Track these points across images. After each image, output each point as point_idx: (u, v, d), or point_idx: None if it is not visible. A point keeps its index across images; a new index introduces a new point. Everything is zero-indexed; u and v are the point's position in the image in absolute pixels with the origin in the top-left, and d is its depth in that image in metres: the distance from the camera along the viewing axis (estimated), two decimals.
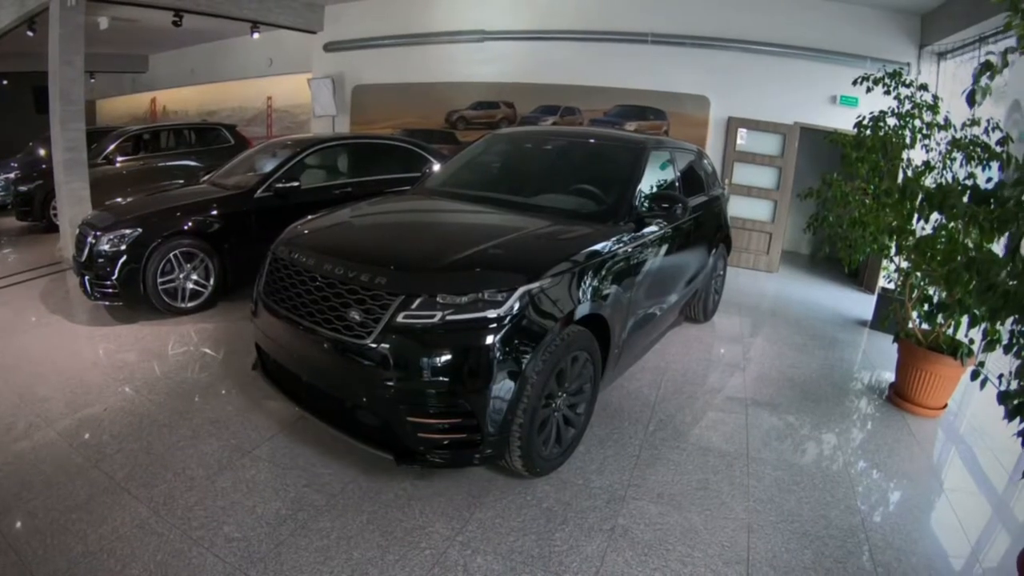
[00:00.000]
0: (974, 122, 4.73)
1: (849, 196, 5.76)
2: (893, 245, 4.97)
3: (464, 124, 8.59)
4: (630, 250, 3.41)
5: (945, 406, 4.13)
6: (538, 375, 2.66)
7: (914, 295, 4.44)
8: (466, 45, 8.43)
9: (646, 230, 3.60)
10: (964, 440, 3.99)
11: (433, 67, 8.61)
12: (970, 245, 3.77)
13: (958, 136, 4.75)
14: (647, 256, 3.65)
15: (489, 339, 2.50)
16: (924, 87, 5.10)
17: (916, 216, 4.29)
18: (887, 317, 4.61)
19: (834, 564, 2.60)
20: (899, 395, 4.25)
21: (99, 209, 4.96)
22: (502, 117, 8.45)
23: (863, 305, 6.82)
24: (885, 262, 5.55)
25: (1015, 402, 2.40)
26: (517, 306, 2.57)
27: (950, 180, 4.50)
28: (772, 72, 7.29)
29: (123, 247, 4.36)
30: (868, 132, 5.35)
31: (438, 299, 2.52)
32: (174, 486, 2.77)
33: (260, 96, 12.46)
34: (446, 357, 2.49)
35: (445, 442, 2.59)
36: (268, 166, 5.28)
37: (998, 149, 4.14)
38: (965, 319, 3.65)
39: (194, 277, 4.72)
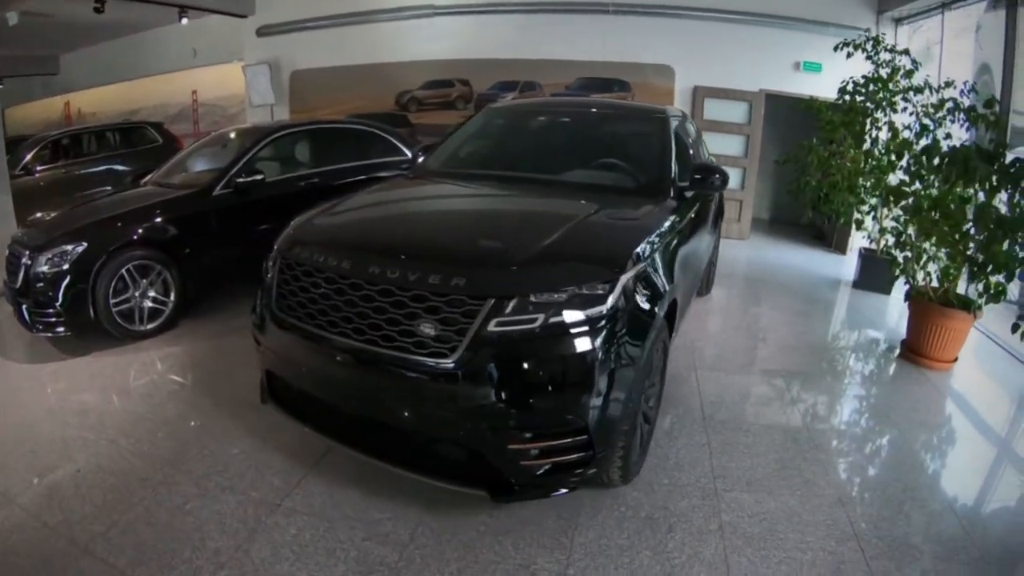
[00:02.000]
0: (948, 84, 4.78)
1: (830, 161, 5.76)
2: (887, 206, 4.99)
3: (416, 105, 7.95)
4: (681, 226, 3.14)
5: (956, 359, 4.18)
6: (641, 373, 2.30)
7: (922, 256, 4.41)
8: (415, 21, 7.76)
9: (684, 204, 3.29)
10: (983, 388, 4.16)
11: (379, 47, 7.88)
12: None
13: (936, 99, 4.78)
14: (688, 231, 3.38)
15: (599, 340, 2.08)
16: (906, 52, 5.08)
17: (920, 178, 4.21)
18: (896, 278, 4.57)
19: (926, 525, 2.59)
20: (913, 351, 4.27)
21: (27, 225, 4.04)
22: (457, 96, 7.88)
23: (839, 266, 6.91)
24: (869, 223, 5.58)
25: None
26: (621, 299, 2.17)
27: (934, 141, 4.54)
28: (736, 40, 7.17)
29: (65, 266, 3.52)
30: (851, 98, 5.33)
31: (531, 299, 2.05)
32: (198, 567, 2.13)
33: (184, 90, 11.27)
34: (553, 367, 2.07)
35: (547, 467, 2.15)
36: (223, 160, 4.52)
37: (983, 111, 4.15)
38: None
39: (152, 294, 3.93)
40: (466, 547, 2.28)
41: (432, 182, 3.47)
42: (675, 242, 2.97)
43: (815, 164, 5.87)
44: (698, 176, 3.28)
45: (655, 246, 2.58)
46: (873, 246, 5.71)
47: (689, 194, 3.36)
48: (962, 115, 4.40)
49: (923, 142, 4.58)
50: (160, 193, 4.18)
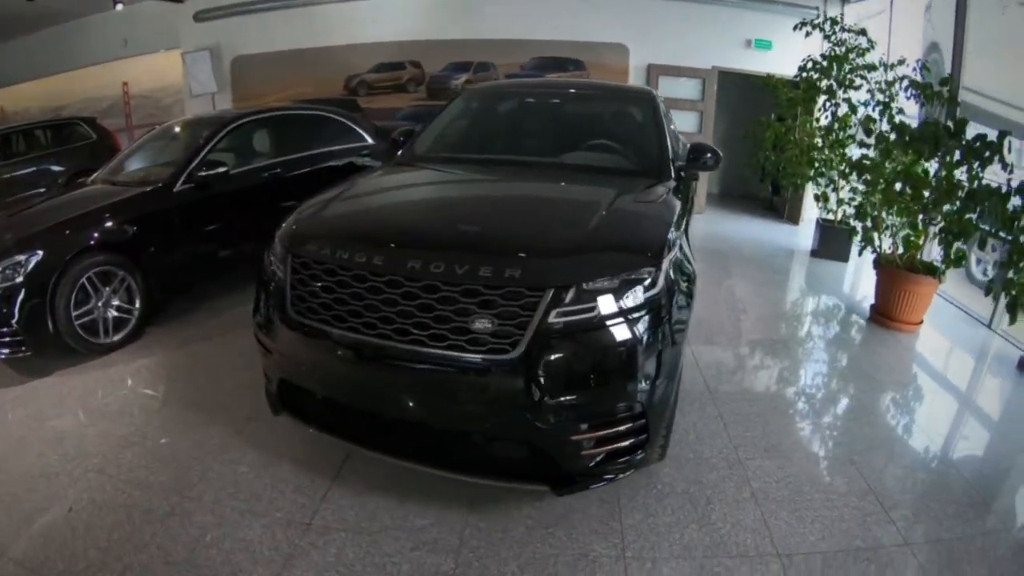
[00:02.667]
0: (901, 63, 4.99)
1: (788, 136, 5.93)
2: (845, 178, 5.19)
3: (366, 89, 7.56)
4: (688, 206, 3.11)
5: (922, 321, 4.43)
6: (681, 351, 2.31)
7: (882, 225, 4.62)
8: (363, 2, 7.34)
9: (683, 183, 3.28)
10: (948, 346, 4.45)
11: (327, 29, 7.40)
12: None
13: (890, 77, 4.99)
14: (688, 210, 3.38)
15: (653, 324, 2.06)
16: (863, 32, 5.24)
17: (888, 154, 4.38)
18: (864, 247, 4.77)
19: (937, 476, 2.81)
20: (882, 314, 4.49)
21: None
22: (409, 78, 7.55)
23: (794, 236, 7.17)
24: (832, 195, 5.79)
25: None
26: (665, 282, 2.14)
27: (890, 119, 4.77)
28: (688, 18, 7.22)
29: (19, 279, 3.08)
30: (810, 75, 5.48)
31: (586, 287, 1.98)
32: None
33: (114, 83, 10.27)
34: (615, 355, 2.01)
35: (604, 454, 2.10)
36: (179, 153, 4.10)
37: (938, 88, 4.36)
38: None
39: (115, 302, 3.52)
40: (520, 544, 2.20)
41: (433, 168, 3.29)
42: (685, 221, 2.99)
43: (771, 140, 6.04)
44: (693, 156, 3.28)
45: (679, 228, 2.56)
46: (830, 216, 5.94)
47: (683, 174, 3.34)
48: (914, 91, 4.59)
49: (886, 119, 4.75)
50: (114, 192, 3.74)
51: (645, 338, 2.03)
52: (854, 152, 5.28)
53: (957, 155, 3.80)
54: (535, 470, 2.12)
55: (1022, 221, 3.29)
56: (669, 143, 3.31)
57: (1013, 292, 3.13)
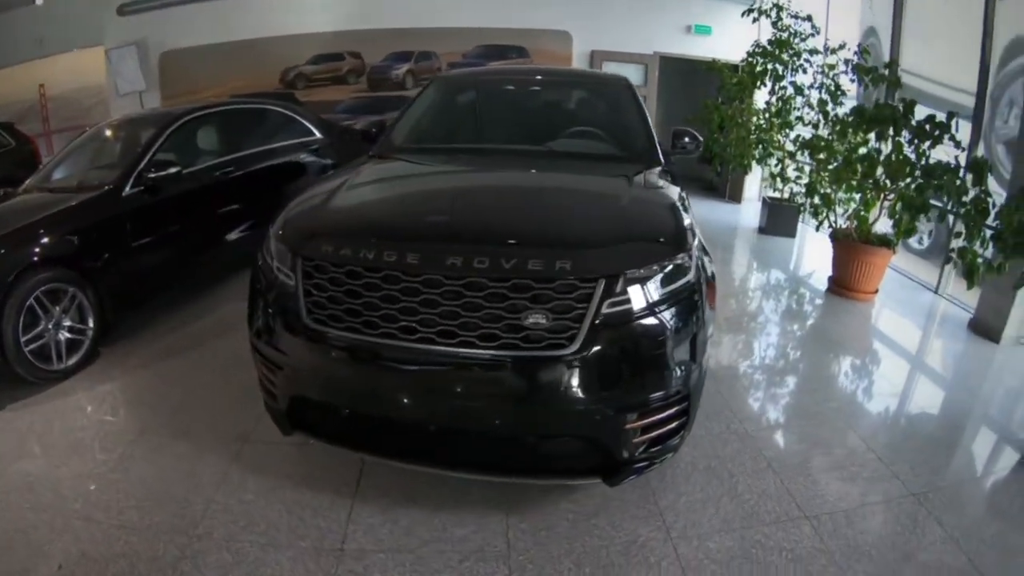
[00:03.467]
0: (842, 47, 5.23)
1: (735, 119, 6.10)
2: (790, 157, 5.40)
3: (304, 82, 7.10)
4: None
5: (877, 290, 4.70)
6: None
7: (832, 201, 4.85)
8: None
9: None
10: (907, 312, 4.74)
11: (260, 19, 6.86)
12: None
13: (833, 60, 5.21)
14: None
15: (692, 310, 2.07)
16: (809, 18, 5.42)
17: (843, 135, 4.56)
18: (821, 223, 4.98)
19: (927, 430, 3.05)
20: (840, 285, 4.72)
21: None
22: (349, 69, 7.16)
23: (738, 214, 7.46)
24: (790, 172, 5.99)
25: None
26: (697, 267, 2.14)
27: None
28: (631, 5, 7.28)
29: None
30: (758, 59, 5.63)
31: (632, 276, 1.95)
32: None
33: (29, 86, 9.08)
34: (664, 342, 1.99)
35: (649, 440, 2.07)
36: (122, 154, 3.67)
37: (884, 72, 4.60)
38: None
39: (67, 323, 3.10)
40: (568, 539, 2.16)
41: (424, 159, 3.13)
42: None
43: (717, 122, 6.20)
44: (674, 141, 3.27)
45: (690, 213, 2.55)
46: (776, 195, 6.18)
47: (671, 159, 3.33)
48: (854, 73, 4.82)
49: (840, 102, 4.95)
50: (54, 201, 3.26)
51: (686, 323, 2.04)
52: (801, 133, 5.50)
53: (907, 135, 4.00)
54: (588, 464, 2.07)
55: (970, 195, 3.53)
56: (653, 129, 3.28)
57: (968, 260, 3.34)
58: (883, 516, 2.37)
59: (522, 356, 1.86)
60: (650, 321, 1.94)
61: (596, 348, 1.87)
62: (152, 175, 3.51)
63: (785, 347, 3.94)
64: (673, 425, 2.09)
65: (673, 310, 1.99)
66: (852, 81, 4.86)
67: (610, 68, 7.65)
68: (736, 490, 2.45)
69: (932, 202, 3.80)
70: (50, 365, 3.02)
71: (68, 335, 3.10)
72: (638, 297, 1.92)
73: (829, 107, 4.80)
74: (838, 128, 4.52)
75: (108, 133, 4.12)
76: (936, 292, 4.84)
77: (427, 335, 1.88)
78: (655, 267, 1.99)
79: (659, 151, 3.10)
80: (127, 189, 3.43)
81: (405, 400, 2.00)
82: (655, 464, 2.16)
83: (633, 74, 7.67)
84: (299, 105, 7.05)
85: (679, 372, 2.01)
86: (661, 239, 2.13)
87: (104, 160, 3.82)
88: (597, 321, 1.87)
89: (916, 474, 2.65)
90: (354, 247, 1.99)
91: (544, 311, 1.86)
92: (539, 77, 4.00)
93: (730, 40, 7.06)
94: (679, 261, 2.05)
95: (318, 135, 5.36)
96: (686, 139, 3.25)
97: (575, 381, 1.89)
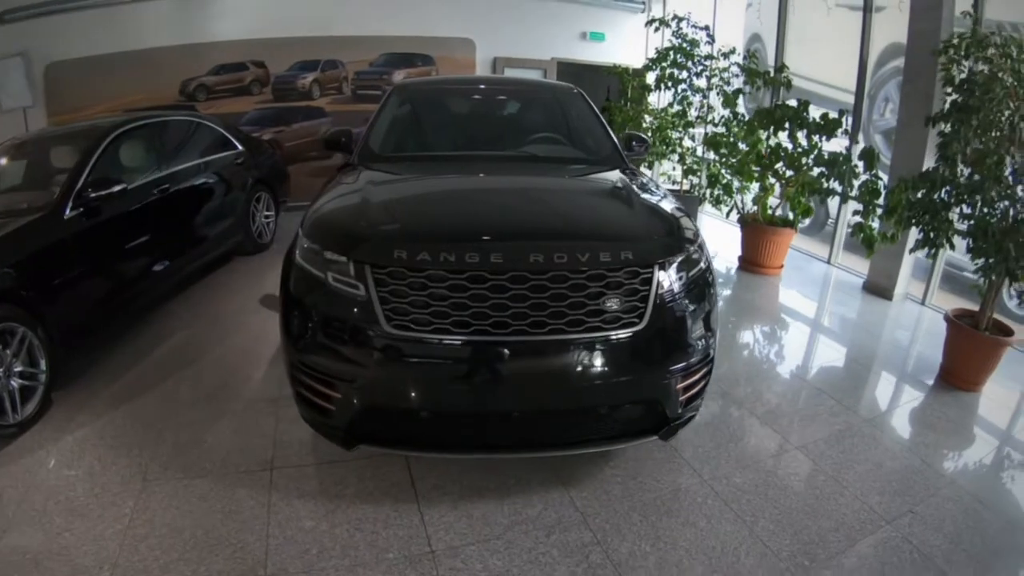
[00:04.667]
0: (732, 52, 5.87)
1: (637, 118, 6.59)
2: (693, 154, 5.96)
3: (206, 93, 6.44)
4: None
5: (782, 266, 5.36)
6: None
7: (732, 190, 5.46)
8: None
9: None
10: (810, 280, 5.46)
11: (158, 28, 6.04)
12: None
13: (725, 64, 5.83)
14: None
15: (710, 286, 2.38)
16: (706, 28, 5.98)
17: (752, 131, 5.13)
18: (731, 209, 5.56)
19: (858, 370, 3.66)
20: (750, 263, 5.33)
21: None
22: (252, 80, 6.63)
23: None
24: (676, 165, 6.57)
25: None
26: (706, 252, 2.48)
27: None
28: (529, 12, 7.51)
29: None
30: (662, 63, 6.12)
31: (673, 260, 2.23)
32: None
33: None
34: (700, 313, 2.28)
35: (688, 398, 2.29)
36: (55, 173, 3.14)
37: (776, 76, 5.27)
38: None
39: (18, 368, 2.60)
40: (626, 498, 2.36)
41: (423, 167, 3.13)
42: None
43: (619, 122, 6.64)
44: (628, 144, 3.52)
45: None
46: (676, 187, 6.76)
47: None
48: (745, 76, 5.44)
49: (735, 103, 5.54)
50: None
51: (708, 298, 2.34)
52: (704, 131, 6.07)
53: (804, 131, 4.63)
54: (647, 424, 2.23)
55: (860, 179, 4.20)
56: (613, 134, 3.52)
57: (866, 233, 4.03)
58: (850, 439, 2.87)
59: (604, 336, 2.02)
60: (688, 297, 2.23)
61: (658, 323, 2.11)
62: (94, 194, 3.05)
63: (722, 321, 4.33)
64: (701, 384, 2.35)
65: (699, 288, 2.28)
66: (746, 84, 5.46)
67: (511, 73, 7.87)
68: (736, 436, 2.84)
69: (834, 187, 4.43)
70: (5, 418, 2.53)
71: (21, 381, 2.61)
72: (679, 279, 2.19)
73: (727, 111, 5.38)
74: (744, 126, 5.07)
75: (20, 152, 3.50)
76: (828, 263, 5.63)
77: (519, 327, 1.94)
78: (686, 254, 2.27)
79: (623, 154, 3.33)
80: (67, 211, 2.94)
81: (498, 392, 2.03)
82: (691, 419, 2.39)
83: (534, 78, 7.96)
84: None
85: (708, 338, 2.28)
86: (685, 231, 2.40)
87: (29, 182, 3.26)
88: (657, 300, 2.11)
89: (864, 406, 3.22)
90: (432, 252, 2.00)
91: (617, 296, 2.05)
92: (499, 86, 4.09)
93: (621, 45, 7.63)
94: (698, 248, 2.37)
95: (240, 147, 4.96)
96: (634, 143, 3.53)
97: (645, 354, 2.11)
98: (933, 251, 3.33)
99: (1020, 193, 2.76)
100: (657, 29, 6.07)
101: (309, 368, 2.10)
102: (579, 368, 2.04)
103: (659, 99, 6.92)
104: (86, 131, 3.51)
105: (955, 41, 3.03)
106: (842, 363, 3.74)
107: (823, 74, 5.58)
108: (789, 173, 4.91)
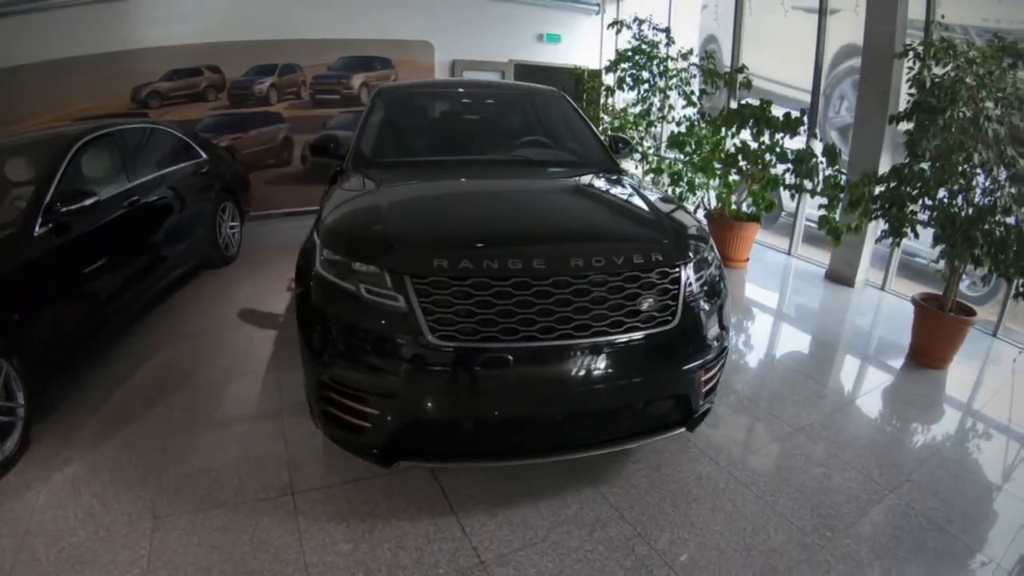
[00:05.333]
0: (690, 53, 6.04)
1: (597, 117, 6.68)
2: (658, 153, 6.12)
3: (159, 100, 5.98)
4: None
5: (748, 259, 5.55)
6: None
7: (695, 187, 5.63)
8: None
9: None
10: (775, 271, 5.67)
11: (107, 32, 5.50)
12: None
13: (684, 64, 6.00)
14: None
15: (722, 281, 2.44)
16: (667, 31, 6.11)
17: (717, 130, 5.29)
18: (698, 207, 5.72)
19: (836, 349, 3.93)
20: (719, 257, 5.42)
21: None
22: (208, 85, 6.22)
23: None
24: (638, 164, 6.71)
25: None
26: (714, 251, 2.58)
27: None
28: (487, 15, 7.44)
29: None
30: (623, 64, 6.22)
31: (694, 259, 2.30)
32: None
33: None
34: (718, 309, 2.34)
35: (707, 389, 2.35)
36: (18, 186, 2.84)
37: (736, 76, 5.45)
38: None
39: None
40: (653, 489, 2.40)
41: (427, 172, 3.05)
42: None
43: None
44: (614, 146, 3.58)
45: None
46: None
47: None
48: (704, 77, 5.61)
49: (695, 102, 5.69)
50: None
51: (721, 294, 2.40)
52: (668, 129, 6.20)
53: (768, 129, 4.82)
54: (674, 417, 2.28)
55: (822, 174, 4.42)
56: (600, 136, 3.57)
57: (831, 225, 4.28)
58: (844, 420, 3.06)
59: (642, 336, 2.04)
60: (707, 294, 2.29)
61: (686, 321, 2.15)
62: (63, 208, 2.76)
63: None
64: (718, 377, 2.42)
65: (715, 284, 2.36)
66: (705, 84, 5.64)
67: (470, 76, 7.79)
68: (741, 425, 2.94)
69: (798, 182, 4.64)
70: None
71: (1, 418, 2.32)
72: (698, 277, 2.26)
73: (689, 110, 5.54)
74: (708, 125, 5.22)
75: None
76: (789, 254, 5.89)
77: (564, 331, 1.94)
78: (703, 252, 2.33)
79: (612, 156, 3.37)
80: (37, 228, 2.65)
81: (544, 396, 2.00)
82: (709, 410, 2.44)
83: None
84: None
85: (724, 332, 2.35)
86: (699, 232, 2.47)
87: None
88: (686, 298, 2.17)
89: (847, 387, 3.44)
90: (473, 260, 1.95)
91: (651, 296, 2.09)
92: (484, 89, 4.04)
93: (577, 47, 7.72)
94: (711, 247, 2.44)
95: (204, 155, 4.66)
96: (620, 144, 3.56)
97: (678, 350, 2.14)
98: (898, 240, 3.54)
99: (987, 184, 2.98)
100: (619, 31, 6.17)
101: (340, 385, 2.00)
102: (621, 368, 2.05)
103: (616, 100, 7.04)
104: (48, 140, 3.20)
105: (919, 47, 3.23)
106: (820, 348, 3.93)
107: (779, 74, 5.84)
108: (754, 170, 5.10)
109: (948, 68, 2.92)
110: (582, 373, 2.00)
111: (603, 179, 3.01)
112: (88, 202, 2.87)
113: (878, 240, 3.88)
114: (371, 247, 2.07)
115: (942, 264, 3.71)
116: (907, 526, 2.28)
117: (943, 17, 3.15)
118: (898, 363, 3.67)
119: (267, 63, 6.54)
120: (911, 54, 3.23)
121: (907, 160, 3.23)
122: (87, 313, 2.98)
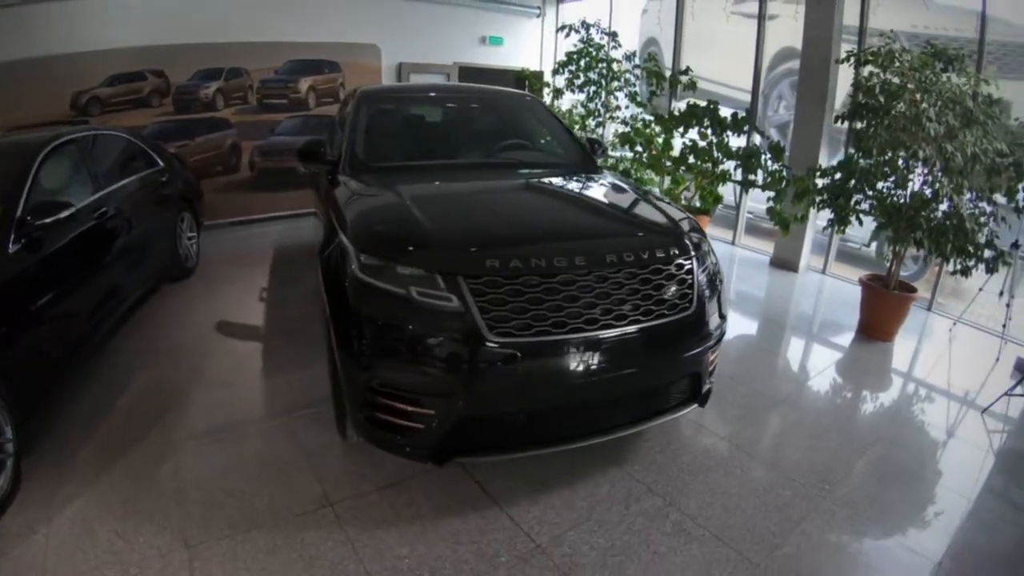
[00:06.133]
0: (633, 55, 6.28)
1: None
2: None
3: (100, 107, 5.42)
4: None
5: None
6: None
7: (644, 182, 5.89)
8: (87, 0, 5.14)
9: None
10: (720, 260, 5.97)
11: (43, 35, 4.88)
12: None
13: (629, 66, 6.23)
14: None
15: (718, 269, 2.61)
16: (614, 35, 6.29)
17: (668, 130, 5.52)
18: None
19: (779, 326, 4.33)
20: None
21: None
22: (152, 90, 5.72)
23: None
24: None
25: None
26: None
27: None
28: (432, 18, 7.36)
29: None
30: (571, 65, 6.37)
31: (700, 250, 2.45)
32: None
33: None
34: (718, 293, 2.48)
35: (712, 368, 2.53)
36: None
37: (677, 78, 5.72)
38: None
39: None
40: (670, 463, 2.57)
41: (431, 175, 3.03)
42: None
43: None
44: (593, 148, 3.68)
45: None
46: None
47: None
48: (648, 78, 5.85)
49: (640, 102, 5.91)
50: None
51: (720, 280, 2.56)
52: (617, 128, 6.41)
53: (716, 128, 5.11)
54: (688, 395, 2.41)
55: (768, 169, 4.75)
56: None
57: (780, 216, 4.61)
58: (818, 389, 3.37)
59: (667, 322, 2.18)
60: (713, 279, 2.45)
61: (699, 307, 2.30)
62: (38, 223, 2.48)
63: None
64: (717, 357, 2.59)
65: (715, 272, 2.53)
66: (649, 86, 5.87)
67: (416, 78, 7.70)
68: (731, 400, 3.12)
69: (746, 177, 4.96)
70: None
71: None
72: (703, 266, 2.41)
73: (640, 111, 5.77)
74: (661, 124, 5.44)
75: None
76: (733, 244, 6.27)
77: (606, 321, 2.03)
78: (704, 245, 2.49)
79: (593, 157, 3.49)
80: (11, 245, 2.36)
81: (593, 382, 2.07)
82: (711, 386, 2.60)
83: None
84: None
85: (724, 316, 2.51)
86: (698, 226, 2.61)
87: None
88: (698, 285, 2.32)
89: (812, 361, 3.79)
90: (522, 258, 2.00)
91: (673, 285, 2.23)
92: (464, 93, 4.01)
93: (519, 49, 7.84)
94: (705, 239, 2.58)
95: (161, 163, 4.34)
96: (595, 145, 3.69)
97: (696, 332, 2.28)
98: (842, 228, 3.89)
99: (927, 177, 3.35)
100: (568, 35, 6.33)
101: (392, 389, 1.96)
102: (652, 351, 2.17)
103: (562, 101, 7.21)
104: (8, 150, 2.85)
105: (867, 54, 3.51)
106: (780, 328, 4.26)
107: (719, 75, 6.20)
108: (704, 166, 5.37)
109: (888, 74, 3.27)
110: (622, 358, 2.10)
111: (601, 179, 3.12)
112: (64, 214, 2.61)
113: (824, 229, 4.24)
114: (417, 250, 2.06)
115: (873, 247, 4.09)
116: (889, 473, 2.60)
117: (892, 31, 3.47)
118: (849, 338, 4.03)
119: (213, 67, 6.14)
120: (851, 59, 3.58)
121: (856, 156, 3.57)
122: (68, 333, 2.71)
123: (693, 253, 2.35)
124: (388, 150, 3.24)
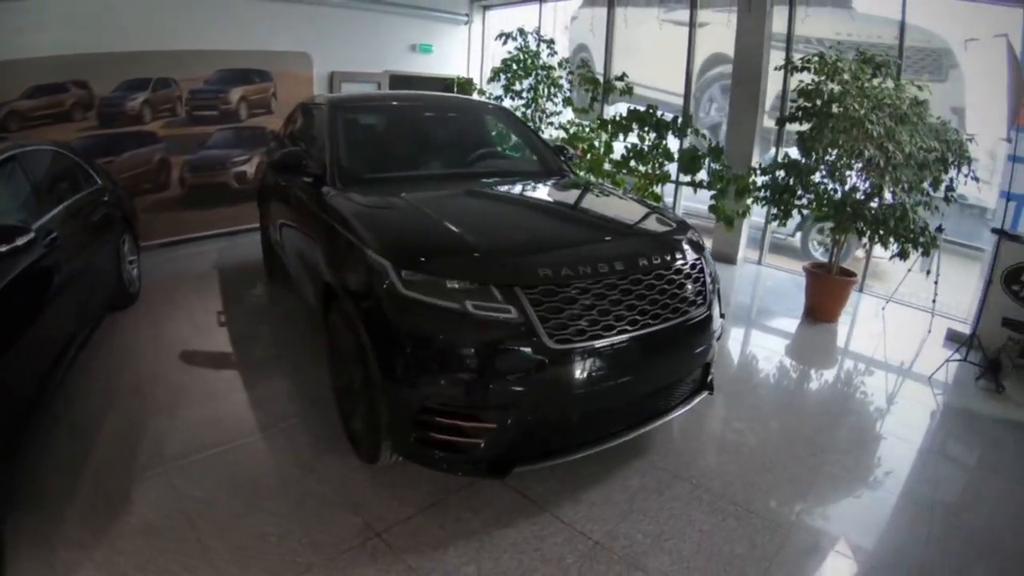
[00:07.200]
0: (566, 61, 6.43)
1: None
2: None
3: (19, 121, 4.66)
4: None
5: None
6: None
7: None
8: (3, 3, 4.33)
9: None
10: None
11: None
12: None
13: (565, 72, 6.37)
14: None
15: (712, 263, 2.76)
16: (551, 42, 6.36)
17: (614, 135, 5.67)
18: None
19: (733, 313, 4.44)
20: None
21: None
22: (74, 103, 5.02)
23: None
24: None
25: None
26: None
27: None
28: (363, 26, 7.09)
29: None
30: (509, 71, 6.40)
31: (702, 252, 2.55)
32: None
33: None
34: (717, 290, 2.59)
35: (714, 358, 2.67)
36: None
37: (612, 83, 5.93)
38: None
39: None
40: (687, 449, 2.70)
41: (422, 186, 2.96)
42: None
43: None
44: (564, 155, 3.74)
45: None
46: None
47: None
48: (583, 83, 5.99)
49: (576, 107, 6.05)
50: None
51: (717, 278, 2.67)
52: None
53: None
54: (699, 385, 2.52)
55: (709, 169, 5.03)
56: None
57: (723, 212, 4.91)
58: (787, 370, 3.66)
59: (690, 318, 2.28)
60: (713, 280, 2.56)
61: (711, 304, 2.43)
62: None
63: None
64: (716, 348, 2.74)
65: (714, 272, 2.64)
66: (585, 91, 5.99)
67: (348, 88, 7.40)
68: (717, 385, 3.11)
69: (695, 177, 5.20)
70: None
71: None
72: (710, 264, 2.54)
73: (576, 116, 5.89)
74: (599, 129, 5.55)
75: None
76: None
77: (645, 321, 2.10)
78: (704, 247, 2.61)
79: (569, 164, 3.55)
80: None
81: (639, 379, 2.13)
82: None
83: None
84: None
85: (722, 312, 2.64)
86: (692, 229, 2.69)
87: None
88: (708, 285, 2.44)
89: (771, 345, 4.06)
90: (571, 267, 2.02)
91: (692, 284, 2.34)
92: (438, 103, 3.87)
93: (449, 57, 7.80)
94: (701, 242, 2.71)
95: (100, 181, 3.86)
96: (565, 153, 3.74)
97: (709, 328, 2.40)
98: (784, 221, 4.23)
99: (869, 174, 3.70)
100: (505, 42, 6.36)
101: (449, 406, 1.87)
102: (681, 345, 2.27)
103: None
104: None
105: (813, 61, 3.77)
106: (732, 318, 4.36)
107: (650, 80, 6.46)
108: (642, 168, 5.55)
109: (825, 81, 3.60)
110: (659, 354, 2.19)
111: (596, 187, 3.22)
112: (21, 241, 2.20)
113: (767, 222, 4.57)
114: (467, 264, 2.00)
115: (798, 237, 4.42)
116: (867, 436, 2.94)
117: (838, 43, 3.79)
118: (796, 321, 4.37)
119: (140, 77, 5.52)
120: (790, 67, 3.89)
121: (797, 157, 3.89)
122: (34, 373, 2.31)
123: (702, 254, 2.49)
124: (377, 161, 3.09)
